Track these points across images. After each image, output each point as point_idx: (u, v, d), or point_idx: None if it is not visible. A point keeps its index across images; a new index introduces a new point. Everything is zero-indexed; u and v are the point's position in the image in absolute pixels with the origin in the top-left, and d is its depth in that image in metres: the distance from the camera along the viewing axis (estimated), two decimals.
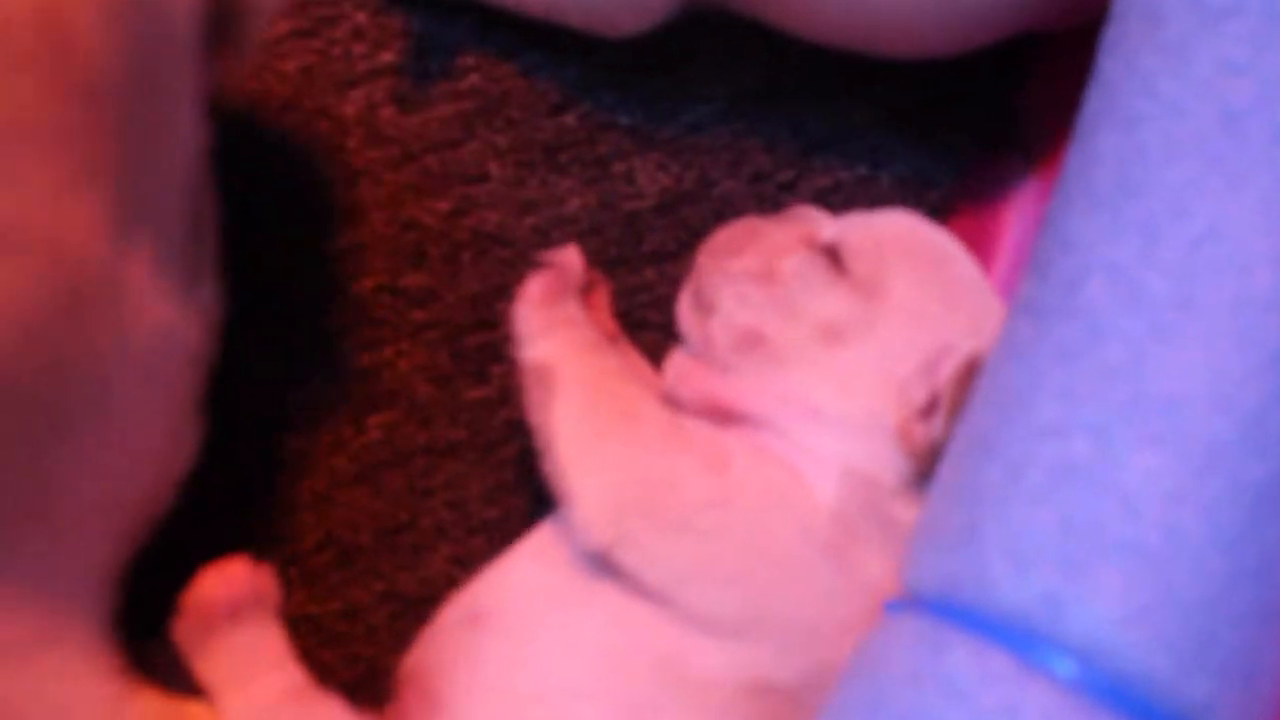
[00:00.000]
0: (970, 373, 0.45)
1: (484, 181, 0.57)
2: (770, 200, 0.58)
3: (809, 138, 0.59)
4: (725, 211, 0.57)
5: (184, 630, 0.45)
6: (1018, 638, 0.37)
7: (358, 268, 0.48)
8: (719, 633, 0.44)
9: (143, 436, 0.42)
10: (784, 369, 0.47)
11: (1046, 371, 0.40)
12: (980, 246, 0.59)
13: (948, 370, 0.46)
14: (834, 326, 0.47)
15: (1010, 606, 0.38)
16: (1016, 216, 0.59)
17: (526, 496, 0.55)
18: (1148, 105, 0.41)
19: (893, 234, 0.50)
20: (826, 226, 0.50)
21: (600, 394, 0.46)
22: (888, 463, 0.46)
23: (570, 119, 0.58)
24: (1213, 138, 0.39)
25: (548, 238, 0.57)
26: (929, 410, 0.46)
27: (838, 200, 0.58)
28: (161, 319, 0.41)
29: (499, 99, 0.58)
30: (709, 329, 0.49)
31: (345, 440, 0.54)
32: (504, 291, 0.55)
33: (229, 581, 0.45)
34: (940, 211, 0.59)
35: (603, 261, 0.56)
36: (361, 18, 0.57)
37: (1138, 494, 0.37)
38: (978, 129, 0.60)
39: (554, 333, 0.47)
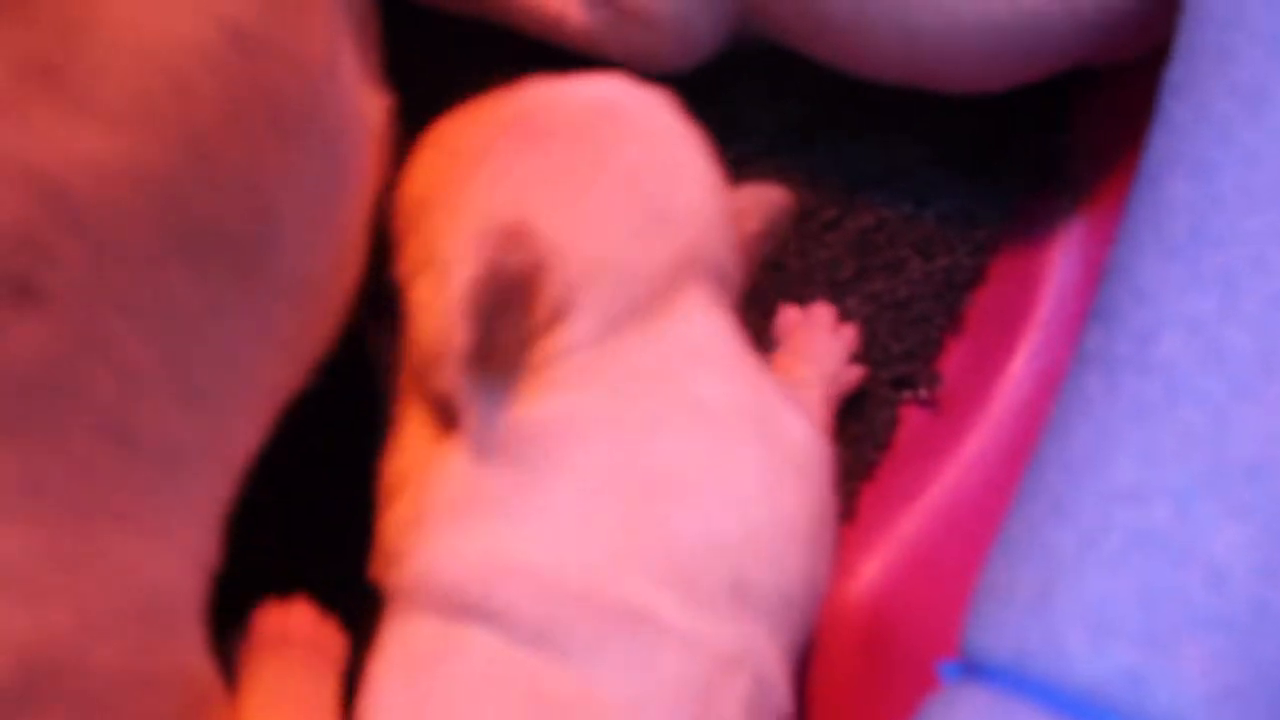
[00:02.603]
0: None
1: None
2: (813, 239, 0.56)
3: (854, 174, 0.57)
4: None
5: (245, 649, 0.44)
6: (1094, 714, 0.36)
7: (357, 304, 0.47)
8: None
9: (312, 254, 0.41)
10: None
11: (1121, 431, 0.38)
12: (1026, 285, 0.58)
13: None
14: None
15: (1087, 680, 0.36)
16: (1063, 255, 0.58)
17: None
18: (1223, 153, 0.40)
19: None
20: None
21: None
22: None
23: None
24: None
25: None
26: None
27: (881, 238, 0.57)
28: (354, 91, 0.41)
29: None
30: None
31: (348, 477, 0.52)
32: None
33: (291, 618, 0.45)
34: (986, 249, 0.58)
35: None
36: None
37: (1223, 565, 0.35)
38: (1025, 166, 0.59)
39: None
